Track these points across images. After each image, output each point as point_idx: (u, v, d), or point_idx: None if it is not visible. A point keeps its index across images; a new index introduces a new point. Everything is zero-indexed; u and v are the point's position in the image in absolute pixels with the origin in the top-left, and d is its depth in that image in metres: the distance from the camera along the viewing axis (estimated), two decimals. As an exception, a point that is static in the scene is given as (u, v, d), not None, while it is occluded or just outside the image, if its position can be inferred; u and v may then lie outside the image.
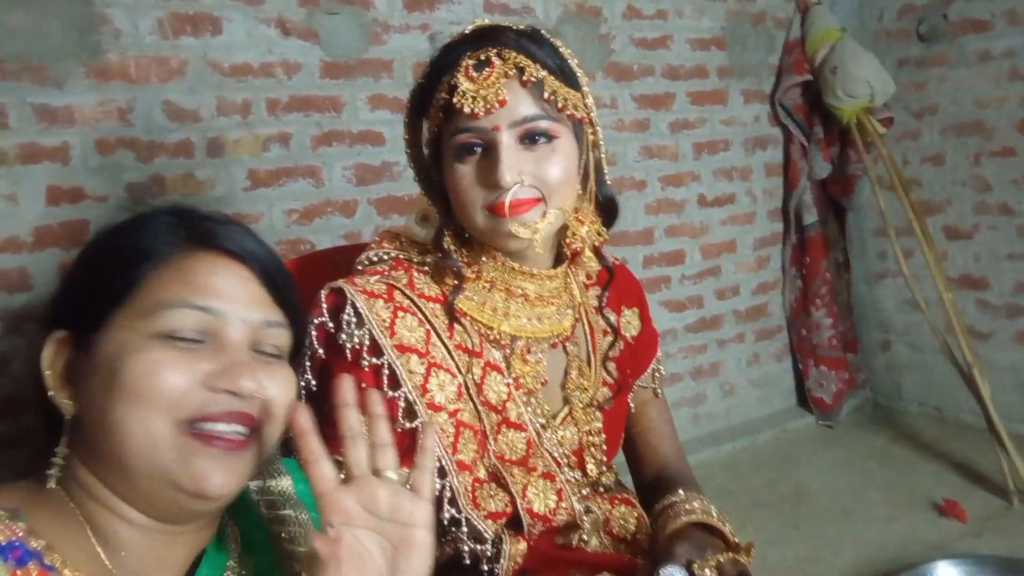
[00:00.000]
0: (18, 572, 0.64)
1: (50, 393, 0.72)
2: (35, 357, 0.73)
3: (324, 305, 0.98)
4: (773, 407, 3.27)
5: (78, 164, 1.91)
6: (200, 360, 0.71)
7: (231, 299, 0.74)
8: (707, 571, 0.89)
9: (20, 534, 0.66)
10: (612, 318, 1.17)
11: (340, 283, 0.99)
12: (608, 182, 1.07)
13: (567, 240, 1.03)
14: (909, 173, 3.06)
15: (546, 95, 0.95)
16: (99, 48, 1.92)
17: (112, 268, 0.74)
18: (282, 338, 0.79)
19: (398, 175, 2.33)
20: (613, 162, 2.70)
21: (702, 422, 3.07)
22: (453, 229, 1.03)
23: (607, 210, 1.07)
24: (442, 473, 0.97)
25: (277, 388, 0.75)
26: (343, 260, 1.08)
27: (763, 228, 3.21)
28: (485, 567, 0.96)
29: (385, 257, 1.06)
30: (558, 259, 1.08)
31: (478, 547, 0.97)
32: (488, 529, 0.98)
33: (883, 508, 2.47)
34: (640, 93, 2.82)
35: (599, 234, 1.04)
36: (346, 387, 0.73)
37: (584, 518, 1.05)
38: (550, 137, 0.96)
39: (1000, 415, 2.54)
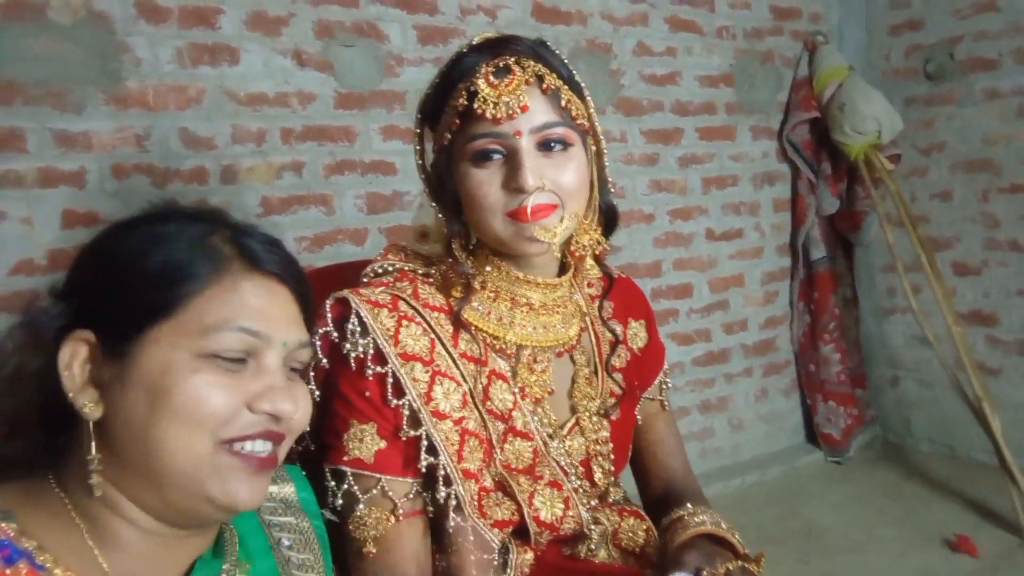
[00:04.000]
0: (7, 571, 0.64)
1: (70, 395, 0.71)
2: (32, 348, 0.72)
3: (329, 315, 0.99)
4: (781, 443, 3.25)
5: (94, 188, 1.94)
6: (244, 382, 0.73)
7: (276, 322, 0.76)
8: None
9: (10, 534, 0.66)
10: (618, 329, 1.18)
11: (344, 293, 1.00)
12: (611, 191, 1.08)
13: (572, 248, 1.04)
14: (917, 209, 3.07)
15: (563, 103, 0.97)
16: (119, 75, 1.96)
17: (154, 282, 0.73)
18: (308, 356, 0.81)
19: (408, 204, 2.35)
20: (622, 195, 2.72)
21: (710, 457, 3.05)
22: (459, 239, 1.04)
23: (608, 218, 1.08)
24: (447, 481, 0.97)
25: (303, 406, 0.78)
26: (350, 275, 1.09)
27: (771, 263, 3.22)
28: None
29: (390, 269, 1.07)
30: (562, 269, 1.09)
31: (484, 556, 0.97)
32: (495, 538, 0.98)
33: (895, 544, 2.44)
34: (649, 128, 2.85)
35: (599, 243, 1.05)
36: None
37: (592, 527, 1.05)
38: (566, 144, 0.98)
39: (1012, 452, 2.52)
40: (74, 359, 0.72)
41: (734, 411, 3.13)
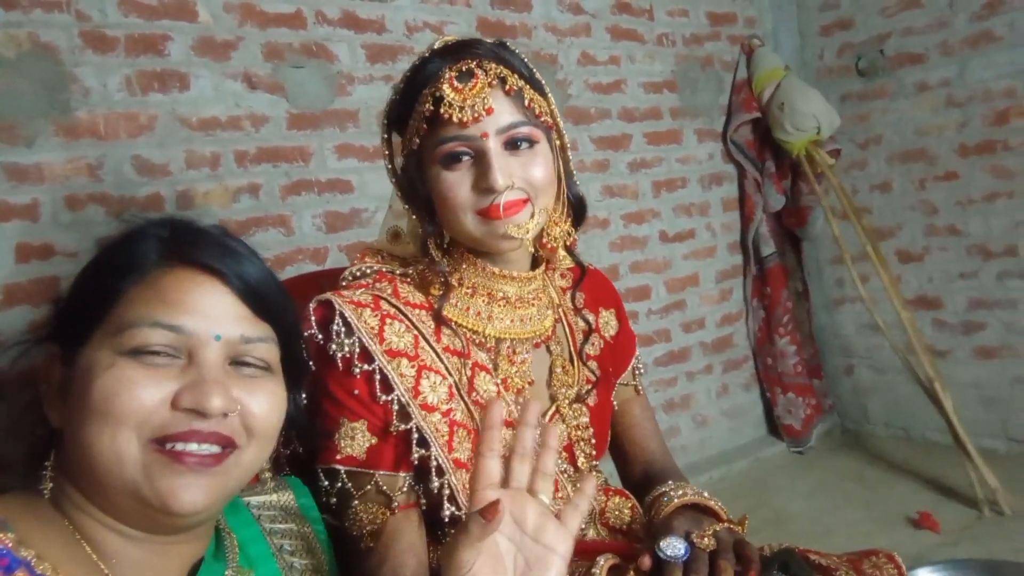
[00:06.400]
0: None
1: (43, 405, 0.73)
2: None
3: (312, 318, 1.00)
4: (745, 436, 3.31)
5: (48, 221, 1.91)
6: (169, 378, 0.70)
7: (204, 316, 0.73)
8: (706, 539, 0.92)
9: (8, 544, 0.66)
10: (591, 318, 1.21)
11: (327, 295, 1.02)
12: (577, 183, 1.12)
13: (543, 240, 1.07)
14: (859, 201, 3.18)
15: (526, 102, 1.01)
16: (68, 106, 1.94)
17: (96, 284, 0.75)
18: (265, 351, 0.78)
19: (367, 221, 2.36)
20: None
21: (677, 455, 3.04)
22: (434, 239, 1.06)
23: (576, 210, 1.11)
24: (440, 472, 0.99)
25: (258, 403, 0.74)
26: (327, 282, 1.10)
27: (724, 261, 3.30)
28: None
29: (368, 271, 1.09)
30: (534, 262, 1.12)
31: None
32: None
33: (861, 526, 2.51)
34: (599, 135, 2.91)
35: (569, 234, 1.09)
36: (533, 411, 0.78)
37: None
38: (531, 142, 1.02)
39: (965, 430, 2.61)
40: (48, 372, 0.75)
41: (697, 408, 3.18)
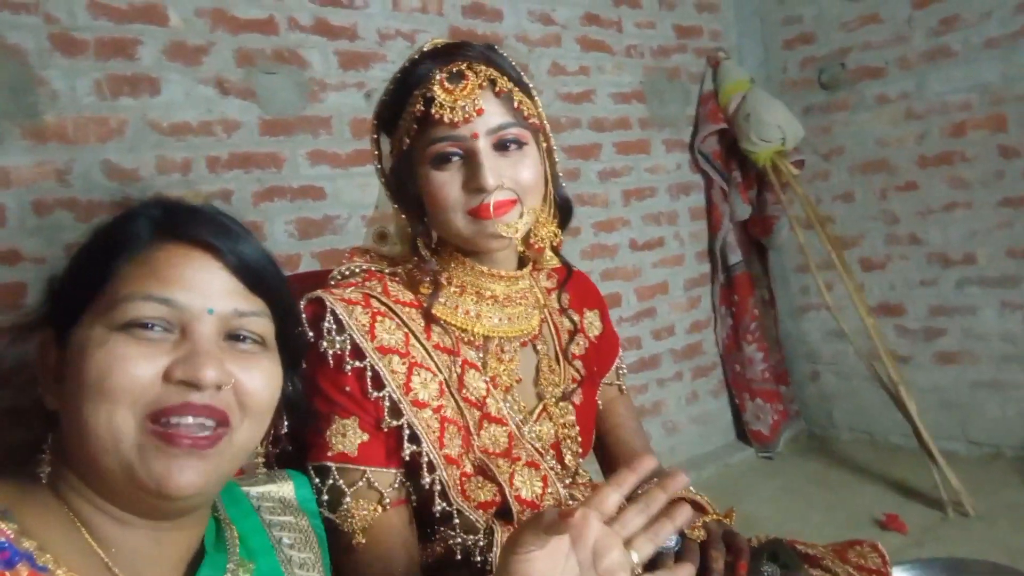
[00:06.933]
0: (7, 574, 0.62)
1: (39, 389, 0.72)
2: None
3: (303, 316, 0.99)
4: (714, 443, 3.35)
5: (15, 226, 1.88)
6: (162, 353, 0.70)
7: (197, 289, 0.72)
8: (696, 531, 0.93)
9: (10, 535, 0.64)
10: (576, 319, 1.23)
11: (318, 293, 1.02)
12: (563, 185, 1.13)
13: (531, 241, 1.09)
14: (823, 211, 3.25)
15: (515, 104, 1.02)
16: (35, 110, 1.91)
17: (88, 263, 0.74)
18: (259, 326, 0.77)
19: (340, 228, 2.35)
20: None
21: (648, 462, 3.11)
22: (423, 238, 1.07)
23: (562, 211, 1.13)
24: (431, 467, 0.99)
25: (253, 379, 0.74)
26: (314, 283, 1.10)
27: (692, 269, 3.34)
28: (478, 558, 0.98)
29: (357, 271, 1.09)
30: (520, 262, 1.14)
31: (470, 538, 0.99)
32: (479, 519, 1.01)
33: (828, 529, 2.54)
34: (569, 144, 2.94)
35: (555, 235, 1.11)
36: (678, 482, 0.77)
37: (571, 502, 1.08)
38: (520, 143, 1.03)
39: (928, 433, 2.67)
40: (44, 355, 0.74)
41: (667, 415, 3.21)
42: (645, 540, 0.75)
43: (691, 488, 1.09)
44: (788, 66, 3.40)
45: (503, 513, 1.05)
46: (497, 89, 1.01)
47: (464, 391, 1.05)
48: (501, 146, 1.01)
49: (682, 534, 0.93)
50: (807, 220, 3.06)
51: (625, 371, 1.35)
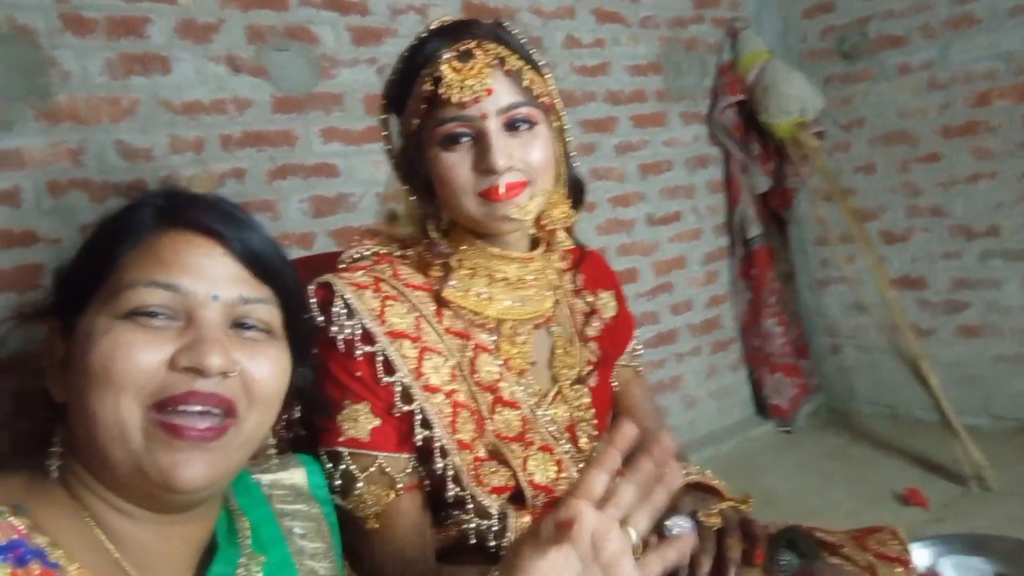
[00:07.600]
0: (18, 572, 0.61)
1: (46, 380, 0.72)
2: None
3: (313, 300, 0.98)
4: (733, 417, 3.33)
5: (30, 207, 1.88)
6: (167, 340, 0.69)
7: (202, 276, 0.71)
8: (712, 518, 0.92)
9: (23, 532, 0.63)
10: (591, 300, 1.21)
11: (327, 277, 1.01)
12: (576, 164, 1.11)
13: (543, 222, 1.07)
14: (844, 183, 3.19)
15: (525, 83, 1.00)
16: (48, 90, 1.90)
17: (92, 253, 0.74)
18: (266, 314, 0.76)
19: (354, 206, 2.34)
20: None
21: (666, 437, 3.11)
22: (433, 220, 1.05)
23: (575, 191, 1.11)
24: (444, 453, 0.98)
25: (260, 367, 0.72)
26: (323, 266, 1.09)
27: (709, 243, 3.31)
28: (492, 543, 0.97)
29: (367, 253, 1.08)
30: (533, 243, 1.12)
31: (483, 523, 0.99)
32: (493, 504, 1.00)
33: (848, 504, 2.53)
34: (585, 118, 2.90)
35: (568, 216, 1.09)
36: (665, 445, 0.74)
37: None
38: (531, 123, 1.01)
39: (950, 407, 2.64)
40: (51, 347, 0.73)
41: (686, 389, 3.20)
42: (641, 513, 0.73)
43: (707, 472, 1.07)
44: (808, 36, 3.33)
45: (517, 498, 1.04)
46: (506, 68, 0.99)
47: (476, 375, 1.04)
48: (511, 126, 0.99)
49: (698, 522, 0.92)
50: (827, 192, 3.02)
51: (641, 352, 1.33)
